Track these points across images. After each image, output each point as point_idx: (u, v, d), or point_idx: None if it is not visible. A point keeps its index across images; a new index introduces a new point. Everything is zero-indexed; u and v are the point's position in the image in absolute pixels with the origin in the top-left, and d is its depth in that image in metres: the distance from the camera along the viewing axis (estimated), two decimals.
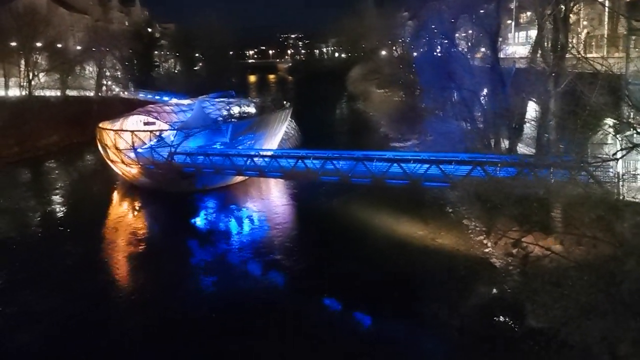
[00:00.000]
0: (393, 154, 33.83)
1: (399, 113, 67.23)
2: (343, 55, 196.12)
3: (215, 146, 42.55)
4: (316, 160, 34.39)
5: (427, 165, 30.73)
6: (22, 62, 73.24)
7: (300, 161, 34.95)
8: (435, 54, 50.93)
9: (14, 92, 72.87)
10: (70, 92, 78.38)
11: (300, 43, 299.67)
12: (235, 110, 52.43)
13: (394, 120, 66.60)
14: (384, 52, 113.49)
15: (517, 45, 56.12)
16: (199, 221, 38.00)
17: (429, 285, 25.44)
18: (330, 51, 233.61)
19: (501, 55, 40.25)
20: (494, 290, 25.20)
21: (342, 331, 22.53)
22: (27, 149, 59.18)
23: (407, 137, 57.52)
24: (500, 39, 39.68)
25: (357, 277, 26.88)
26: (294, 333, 22.41)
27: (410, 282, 26.11)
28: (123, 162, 42.88)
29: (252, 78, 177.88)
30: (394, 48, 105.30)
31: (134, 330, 22.97)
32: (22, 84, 72.78)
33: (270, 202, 42.13)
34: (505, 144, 35.88)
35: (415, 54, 69.38)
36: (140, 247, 32.95)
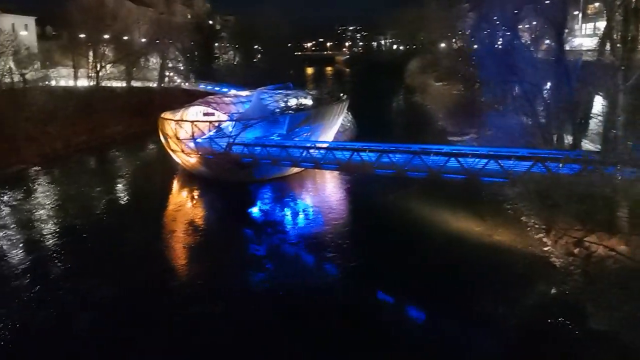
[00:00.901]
0: (450, 148, 33.26)
1: (457, 106, 66.30)
2: (401, 48, 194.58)
3: (272, 137, 43.02)
4: (372, 153, 34.26)
5: (485, 160, 30.15)
6: (90, 54, 76.38)
7: (355, 154, 34.92)
8: (496, 46, 49.65)
9: (82, 82, 76.13)
10: (135, 83, 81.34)
11: (358, 35, 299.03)
12: (293, 102, 52.79)
13: (452, 114, 65.69)
14: (443, 45, 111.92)
15: (584, 37, 54.15)
16: (255, 212, 38.58)
17: (485, 282, 25.11)
18: (388, 43, 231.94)
19: (567, 47, 38.84)
20: (553, 290, 24.56)
21: (395, 327, 22.42)
22: (94, 137, 61.84)
23: (466, 131, 56.45)
24: (566, 31, 38.27)
25: (413, 273, 26.72)
26: (344, 330, 22.43)
27: (466, 278, 25.74)
28: (183, 151, 44.05)
29: (310, 70, 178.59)
30: (453, 40, 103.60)
31: (182, 322, 23.29)
32: (90, 75, 76.00)
33: (325, 194, 42.29)
34: (568, 139, 34.74)
35: (475, 46, 67.98)
36: (197, 237, 33.67)
